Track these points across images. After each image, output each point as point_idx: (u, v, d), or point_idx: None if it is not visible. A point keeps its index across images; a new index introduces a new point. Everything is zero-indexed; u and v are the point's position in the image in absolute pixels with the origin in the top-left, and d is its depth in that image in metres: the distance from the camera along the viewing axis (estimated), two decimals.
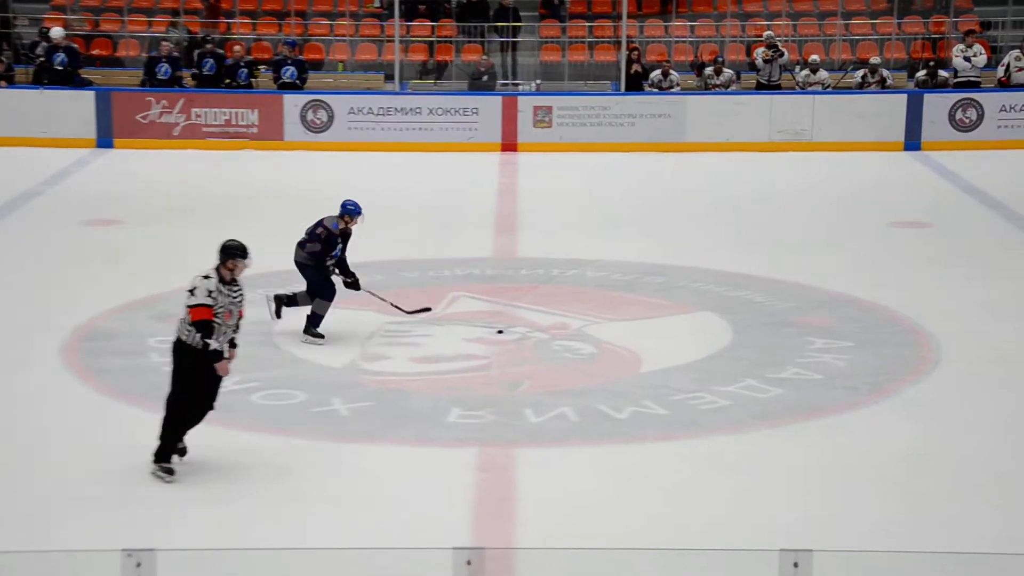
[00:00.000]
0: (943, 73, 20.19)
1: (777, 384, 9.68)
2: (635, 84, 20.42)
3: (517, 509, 7.70)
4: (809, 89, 20.09)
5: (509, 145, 19.66)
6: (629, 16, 21.14)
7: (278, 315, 10.77)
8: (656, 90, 20.21)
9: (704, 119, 19.63)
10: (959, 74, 20.20)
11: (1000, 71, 20.16)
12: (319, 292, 10.65)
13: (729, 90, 20.26)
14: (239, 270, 7.99)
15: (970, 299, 11.89)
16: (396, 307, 11.04)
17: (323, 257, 10.61)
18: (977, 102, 19.44)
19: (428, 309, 11.15)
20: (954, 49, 20.47)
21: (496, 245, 14.27)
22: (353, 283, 10.80)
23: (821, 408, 9.26)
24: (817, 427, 8.96)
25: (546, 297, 12.03)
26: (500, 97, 20.10)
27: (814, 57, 20.53)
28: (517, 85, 21.46)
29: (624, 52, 20.60)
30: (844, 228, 14.95)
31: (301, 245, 10.72)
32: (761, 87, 20.34)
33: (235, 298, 7.99)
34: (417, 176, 18.18)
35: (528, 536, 7.30)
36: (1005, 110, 19.41)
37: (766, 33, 20.73)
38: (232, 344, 8.09)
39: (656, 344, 10.63)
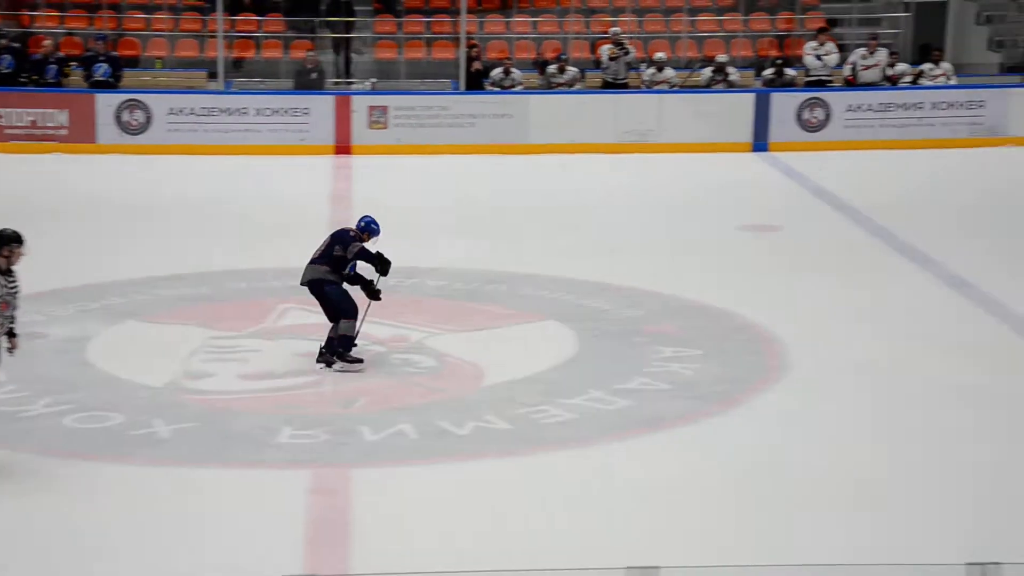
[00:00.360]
0: (790, 72, 20.80)
1: (624, 395, 9.85)
2: (475, 83, 20.56)
3: (352, 533, 7.68)
4: (655, 88, 20.49)
5: (342, 147, 19.60)
6: (468, 11, 21.28)
7: (328, 364, 10.31)
8: (497, 89, 20.38)
9: (547, 119, 19.86)
10: (811, 73, 20.84)
11: (847, 70, 20.85)
12: (342, 310, 10.25)
13: (573, 89, 20.54)
14: (15, 258, 8.17)
15: (819, 304, 12.27)
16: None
17: (367, 255, 10.28)
18: (824, 102, 20.08)
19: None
20: (805, 47, 21.12)
21: None
22: (378, 292, 10.44)
23: (669, 419, 9.45)
24: (664, 439, 9.14)
25: (383, 308, 12.00)
26: (332, 97, 20.02)
27: (660, 55, 20.93)
28: (351, 84, 21.41)
29: (463, 49, 20.73)
30: (692, 232, 15.29)
31: (318, 261, 10.29)
32: (607, 86, 20.67)
33: (11, 288, 8.17)
34: (243, 181, 17.98)
35: (364, 561, 7.28)
36: (852, 109, 20.08)
37: (612, 30, 21.06)
38: (12, 334, 8.22)
39: (499, 356, 10.72)
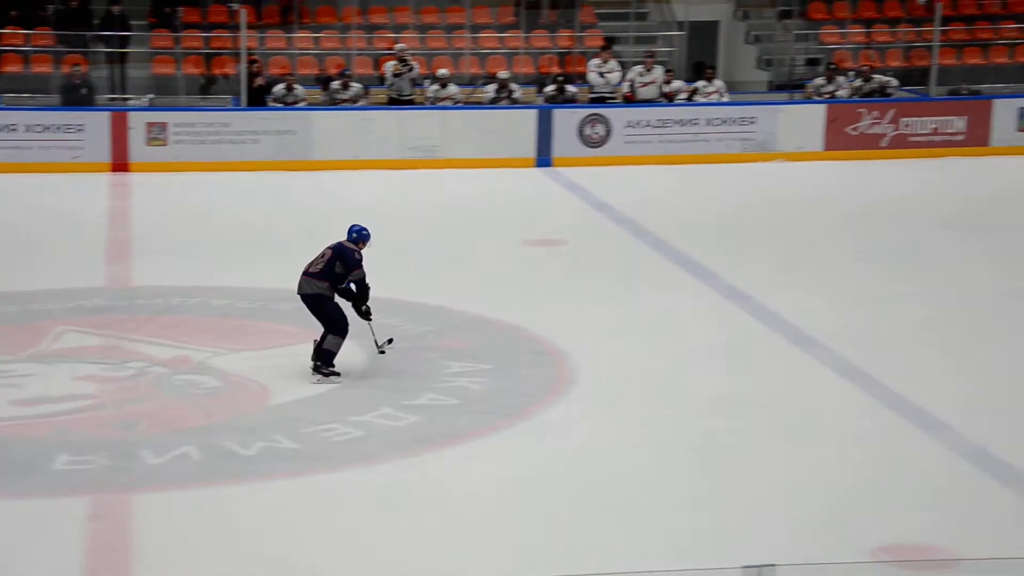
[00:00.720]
0: (571, 88, 21.15)
1: (413, 411, 9.83)
2: (257, 99, 20.26)
3: (133, 561, 7.46)
4: (439, 104, 20.57)
5: (120, 165, 19.06)
6: (248, 27, 20.97)
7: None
8: (280, 105, 20.14)
9: (332, 135, 19.73)
10: (594, 89, 21.23)
11: (625, 87, 21.32)
12: (336, 327, 10.31)
13: (357, 105, 20.44)
14: None
15: (603, 317, 12.48)
16: (376, 344, 10.66)
17: (361, 282, 10.36)
18: (605, 118, 20.47)
19: (391, 340, 10.79)
20: (589, 64, 21.51)
21: (108, 274, 13.81)
22: (368, 311, 10.46)
23: (458, 434, 9.47)
24: (454, 454, 9.16)
25: (165, 328, 11.74)
26: (108, 113, 19.47)
27: (443, 71, 21.03)
28: (127, 100, 20.85)
29: (244, 65, 20.42)
30: (478, 247, 15.37)
31: (317, 276, 10.28)
32: (392, 102, 20.65)
33: None
34: (14, 200, 17.32)
35: None
36: (631, 125, 20.52)
37: (398, 46, 21.05)
38: None
39: (286, 374, 10.58)
